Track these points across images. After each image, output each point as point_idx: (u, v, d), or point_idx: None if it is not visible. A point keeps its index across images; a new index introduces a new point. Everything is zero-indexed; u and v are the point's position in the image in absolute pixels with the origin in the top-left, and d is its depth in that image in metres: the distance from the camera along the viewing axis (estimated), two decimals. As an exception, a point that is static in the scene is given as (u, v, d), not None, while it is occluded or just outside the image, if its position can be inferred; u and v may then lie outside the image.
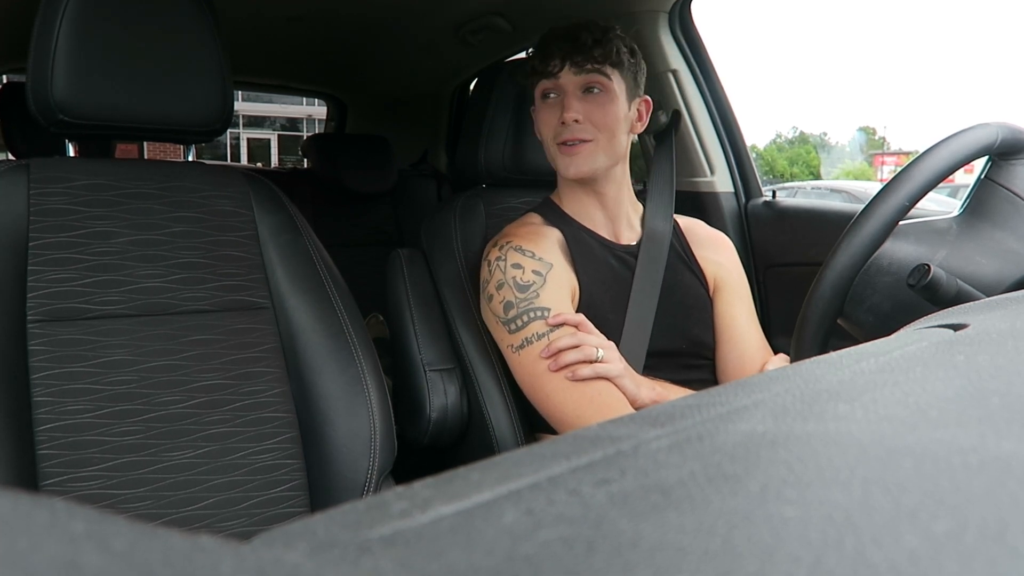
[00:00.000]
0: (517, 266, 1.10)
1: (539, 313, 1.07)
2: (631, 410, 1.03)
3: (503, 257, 1.12)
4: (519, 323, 1.07)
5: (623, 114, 1.13)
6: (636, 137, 1.23)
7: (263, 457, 0.96)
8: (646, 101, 1.19)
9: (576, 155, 1.11)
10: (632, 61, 1.14)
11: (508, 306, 1.09)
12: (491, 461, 0.20)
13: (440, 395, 1.21)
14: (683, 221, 1.30)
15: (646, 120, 1.19)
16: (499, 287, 1.10)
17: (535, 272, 1.09)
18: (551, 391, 1.05)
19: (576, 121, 1.10)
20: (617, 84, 1.12)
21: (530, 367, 1.07)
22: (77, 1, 0.89)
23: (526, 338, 1.07)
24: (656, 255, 1.19)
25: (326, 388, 0.99)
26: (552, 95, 1.13)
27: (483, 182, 1.37)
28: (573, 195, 1.19)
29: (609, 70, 1.11)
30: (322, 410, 0.98)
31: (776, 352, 1.25)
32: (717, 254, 1.27)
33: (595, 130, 1.11)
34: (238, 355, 0.98)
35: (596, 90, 1.11)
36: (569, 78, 1.11)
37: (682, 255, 1.24)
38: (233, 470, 0.94)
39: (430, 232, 1.33)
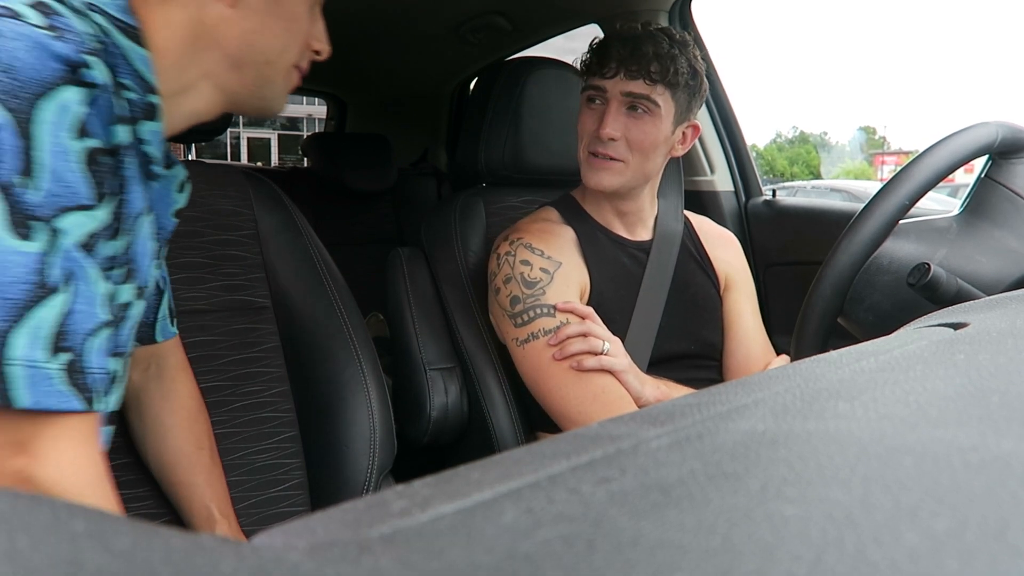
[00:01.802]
0: (526, 263, 1.10)
1: (546, 310, 1.07)
2: (635, 407, 1.03)
3: (512, 252, 1.11)
4: (526, 318, 1.07)
5: (664, 137, 1.09)
6: None
7: (263, 456, 0.96)
8: (694, 127, 1.14)
9: (603, 169, 1.09)
10: (692, 84, 1.08)
11: (515, 300, 1.09)
12: (491, 460, 0.20)
13: (440, 394, 1.22)
14: (694, 219, 1.29)
15: (688, 145, 1.15)
16: (506, 281, 1.11)
17: (543, 270, 1.09)
18: (555, 385, 1.05)
19: (612, 139, 1.07)
20: (665, 106, 1.07)
21: (535, 361, 1.07)
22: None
23: (532, 333, 1.07)
24: (667, 254, 1.19)
25: (326, 387, 0.99)
26: (597, 101, 1.09)
27: (483, 181, 1.37)
28: (594, 198, 1.18)
29: (661, 90, 1.06)
30: (322, 409, 0.98)
31: (777, 351, 1.25)
32: (727, 252, 1.27)
33: (629, 150, 1.08)
34: (238, 355, 0.98)
35: (640, 110, 1.07)
36: (616, 89, 1.06)
37: (695, 255, 1.24)
38: (233, 469, 0.94)
39: (430, 231, 1.33)
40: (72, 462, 0.49)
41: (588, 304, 1.11)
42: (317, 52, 0.72)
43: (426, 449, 1.28)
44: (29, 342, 0.47)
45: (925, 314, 0.44)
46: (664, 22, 1.50)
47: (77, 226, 0.49)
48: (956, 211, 0.88)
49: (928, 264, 0.76)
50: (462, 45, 1.91)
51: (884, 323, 0.80)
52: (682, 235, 1.23)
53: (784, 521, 0.15)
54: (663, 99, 1.07)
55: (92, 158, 0.50)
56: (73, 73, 0.48)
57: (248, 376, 0.98)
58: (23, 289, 0.46)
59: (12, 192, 0.46)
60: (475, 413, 1.22)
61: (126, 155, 0.55)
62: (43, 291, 0.47)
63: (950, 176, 0.85)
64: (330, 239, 1.21)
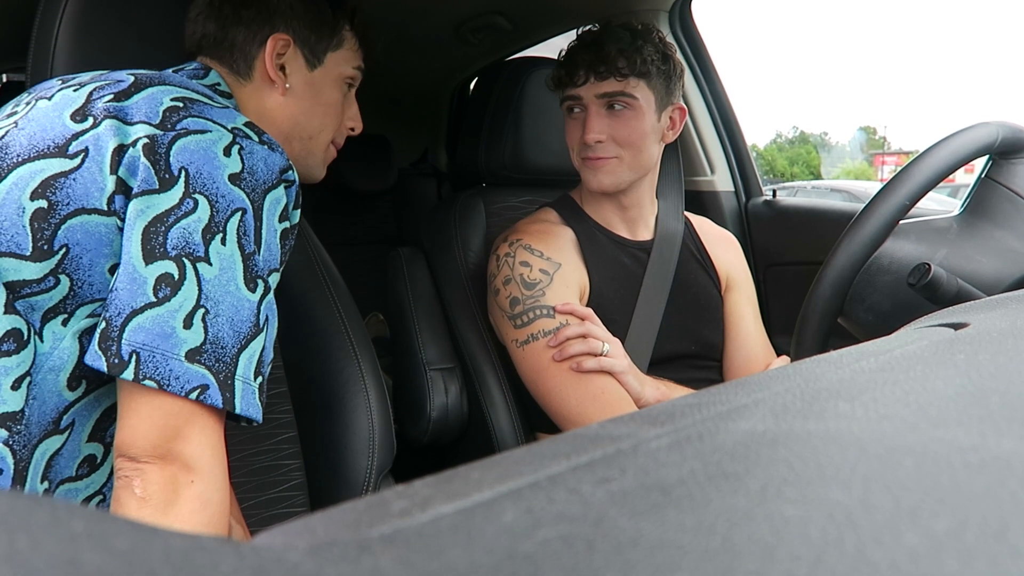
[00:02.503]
0: (525, 264, 1.10)
1: (545, 311, 1.07)
2: (634, 408, 1.03)
3: (512, 254, 1.12)
4: (525, 319, 1.08)
5: (650, 127, 1.09)
6: None
7: (262, 458, 0.96)
8: (680, 108, 1.14)
9: (600, 168, 1.09)
10: (663, 68, 1.09)
11: (514, 302, 1.09)
12: (491, 460, 0.20)
13: (441, 394, 1.22)
14: (694, 219, 1.30)
15: (679, 128, 1.15)
16: (506, 283, 1.11)
17: (542, 271, 1.09)
18: (554, 386, 1.05)
19: (599, 141, 1.07)
20: (644, 97, 1.08)
21: (534, 362, 1.07)
22: (77, 1, 0.89)
23: (532, 334, 1.07)
24: (668, 254, 1.19)
25: (324, 388, 0.99)
26: (576, 109, 1.11)
27: (483, 181, 1.37)
28: (593, 198, 1.18)
29: (634, 83, 1.07)
30: (321, 410, 0.98)
31: (777, 352, 1.25)
32: (728, 252, 1.28)
33: (618, 147, 1.08)
34: (238, 354, 0.98)
35: (619, 107, 1.08)
36: (591, 93, 1.08)
37: (696, 254, 1.24)
38: (232, 471, 0.93)
39: (430, 231, 1.33)
40: (210, 447, 0.63)
41: (588, 305, 1.11)
42: (352, 128, 0.90)
43: (426, 449, 1.28)
44: (247, 365, 0.63)
45: (925, 314, 0.44)
46: (664, 22, 1.50)
47: (273, 283, 0.68)
48: (956, 211, 0.88)
49: (928, 264, 0.75)
50: (462, 45, 1.91)
51: (884, 323, 0.80)
52: (683, 235, 1.23)
53: (784, 521, 0.15)
54: (638, 91, 1.07)
55: (284, 234, 0.69)
56: (282, 175, 0.67)
57: (248, 376, 0.98)
58: (248, 326, 0.63)
59: (252, 259, 0.64)
60: (475, 413, 1.22)
61: (295, 230, 0.72)
62: (257, 329, 0.64)
63: (950, 176, 0.85)
64: (330, 239, 1.21)
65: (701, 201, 1.57)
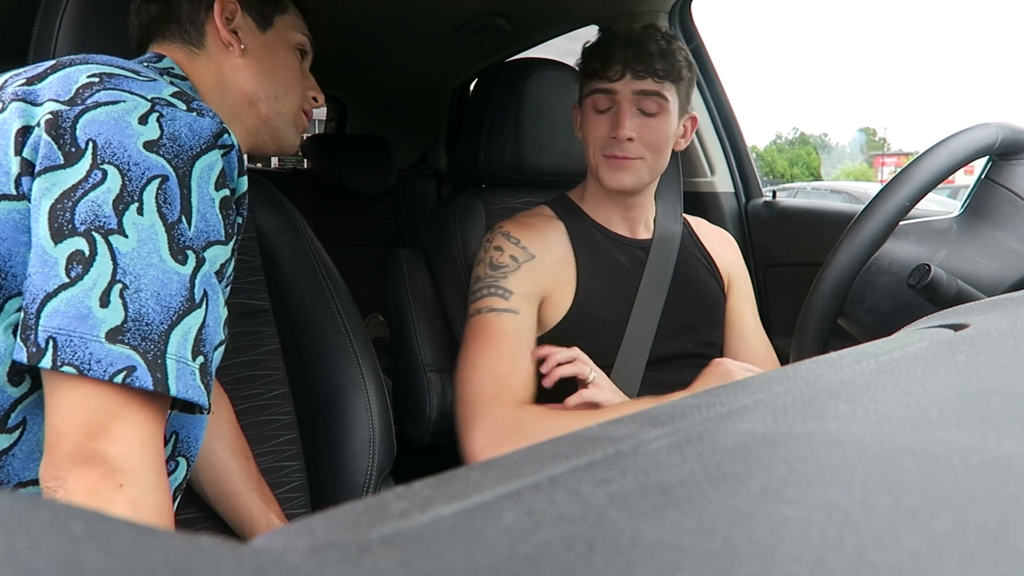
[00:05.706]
0: (498, 248, 1.11)
1: (498, 291, 1.06)
2: (532, 390, 1.03)
3: (491, 239, 1.13)
4: (478, 294, 1.08)
5: (672, 132, 1.09)
6: None
7: (264, 459, 0.96)
8: (692, 118, 1.15)
9: (623, 169, 1.08)
10: (688, 76, 1.09)
11: (476, 279, 1.10)
12: (491, 461, 0.20)
13: (439, 395, 1.22)
14: (691, 219, 1.30)
15: (690, 137, 1.15)
16: (478, 263, 1.12)
17: (512, 257, 1.09)
18: (469, 358, 1.04)
19: (630, 140, 1.06)
20: (672, 102, 1.08)
21: (468, 333, 1.07)
22: (77, 1, 0.89)
23: (478, 308, 1.06)
24: (667, 254, 1.19)
25: (325, 389, 0.99)
26: (606, 104, 1.09)
27: (483, 182, 1.37)
28: (596, 199, 1.17)
29: (668, 86, 1.06)
30: (321, 411, 0.98)
31: (777, 353, 1.25)
32: (727, 251, 1.28)
33: (644, 149, 1.08)
34: (237, 358, 0.98)
35: (652, 108, 1.07)
36: (627, 89, 1.06)
37: (698, 253, 1.24)
38: (233, 470, 0.94)
39: (430, 232, 1.33)
40: (140, 444, 0.56)
41: (574, 302, 1.10)
42: (315, 99, 0.88)
43: (426, 450, 1.28)
44: (180, 342, 0.58)
45: (925, 315, 0.44)
46: (664, 23, 1.51)
47: (215, 257, 0.62)
48: (956, 212, 0.88)
49: (928, 265, 0.76)
50: (462, 46, 1.91)
51: (884, 324, 0.80)
52: (682, 235, 1.23)
53: (784, 522, 0.15)
54: (670, 94, 1.07)
55: (226, 203, 0.64)
56: (216, 139, 0.63)
57: (248, 379, 0.98)
58: (178, 300, 0.58)
59: (176, 228, 0.59)
60: (475, 414, 1.22)
61: (243, 200, 0.68)
62: (191, 304, 0.59)
63: (950, 177, 0.85)
64: (330, 240, 1.21)
65: (701, 202, 1.57)
